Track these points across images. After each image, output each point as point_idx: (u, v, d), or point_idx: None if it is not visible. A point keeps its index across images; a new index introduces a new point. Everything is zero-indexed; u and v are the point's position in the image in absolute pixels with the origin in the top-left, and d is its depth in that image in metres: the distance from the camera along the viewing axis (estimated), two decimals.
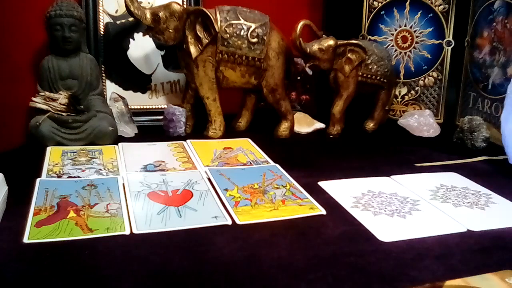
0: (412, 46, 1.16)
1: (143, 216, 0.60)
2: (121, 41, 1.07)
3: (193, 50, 0.93)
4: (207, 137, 0.98)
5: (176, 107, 0.99)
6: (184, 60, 0.97)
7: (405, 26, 1.16)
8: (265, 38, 0.95)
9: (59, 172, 0.73)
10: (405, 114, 1.13)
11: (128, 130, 0.97)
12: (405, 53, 1.17)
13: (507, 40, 0.99)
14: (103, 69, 1.05)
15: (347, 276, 0.48)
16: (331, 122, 1.05)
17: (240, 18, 0.94)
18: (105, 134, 0.88)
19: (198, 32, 0.92)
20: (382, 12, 1.16)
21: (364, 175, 0.78)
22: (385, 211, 0.65)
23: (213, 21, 0.90)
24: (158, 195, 0.67)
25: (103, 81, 1.05)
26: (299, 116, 1.10)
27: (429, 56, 1.16)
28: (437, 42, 1.15)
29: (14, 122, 1.03)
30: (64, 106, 0.87)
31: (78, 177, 0.71)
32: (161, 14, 0.91)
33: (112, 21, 1.06)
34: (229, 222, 0.60)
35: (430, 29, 1.15)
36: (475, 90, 1.09)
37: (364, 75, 1.04)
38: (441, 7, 1.13)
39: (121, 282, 0.46)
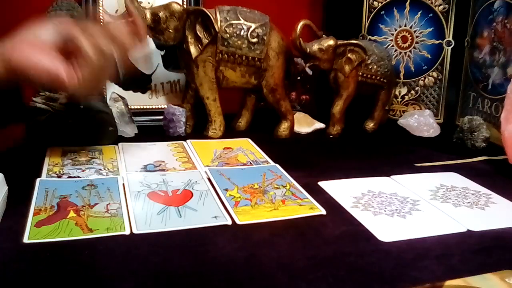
0: (412, 46, 1.16)
1: (143, 216, 0.60)
2: None
3: (193, 50, 0.93)
4: (207, 137, 0.98)
5: (176, 107, 0.99)
6: (184, 60, 0.97)
7: (405, 26, 1.16)
8: (265, 38, 0.95)
9: (59, 172, 0.73)
10: (405, 114, 1.13)
11: (128, 130, 0.97)
12: (405, 53, 1.17)
13: (507, 40, 0.99)
14: None
15: (347, 276, 0.48)
16: (331, 122, 1.05)
17: (240, 18, 0.94)
18: (105, 134, 0.88)
19: (198, 32, 0.92)
20: (382, 12, 1.16)
21: (364, 175, 0.78)
22: (385, 211, 0.65)
23: (213, 21, 0.90)
24: (158, 195, 0.67)
25: None
26: (299, 116, 1.10)
27: (429, 56, 1.16)
28: (437, 42, 1.15)
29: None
30: (64, 106, 0.87)
31: (78, 177, 0.71)
32: (161, 14, 0.91)
33: (112, 21, 1.06)
34: (229, 222, 0.60)
35: (430, 29, 1.15)
36: (475, 90, 1.09)
37: (364, 75, 1.04)
38: (441, 7, 1.13)
39: (121, 282, 0.46)
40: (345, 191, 0.71)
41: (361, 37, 1.16)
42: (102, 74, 0.65)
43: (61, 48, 0.64)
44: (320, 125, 1.10)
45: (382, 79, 1.06)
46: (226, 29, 0.93)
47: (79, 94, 0.65)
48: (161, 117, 1.01)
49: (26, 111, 0.82)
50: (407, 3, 1.14)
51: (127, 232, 0.56)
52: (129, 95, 1.05)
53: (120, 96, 1.00)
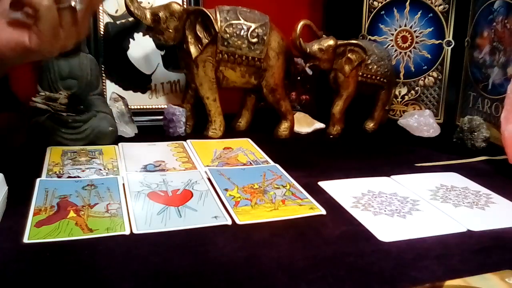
0: (412, 46, 1.16)
1: (143, 216, 0.60)
2: (121, 41, 1.07)
3: (193, 50, 0.93)
4: (207, 137, 0.98)
5: (176, 107, 0.99)
6: (184, 60, 0.97)
7: (405, 26, 1.16)
8: (265, 38, 0.95)
9: (59, 172, 0.73)
10: (405, 114, 1.13)
11: (128, 130, 0.97)
12: (405, 53, 1.17)
13: (507, 40, 0.99)
14: (103, 69, 1.05)
15: (347, 276, 0.48)
16: (331, 122, 1.05)
17: (240, 18, 0.94)
18: (105, 134, 0.88)
19: (198, 32, 0.92)
20: (382, 12, 1.16)
21: (364, 175, 0.78)
22: (385, 211, 0.65)
23: (213, 21, 0.90)
24: (158, 195, 0.67)
25: (103, 81, 1.05)
26: (299, 116, 1.10)
27: (429, 56, 1.16)
28: (437, 42, 1.15)
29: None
30: (64, 106, 0.87)
31: (78, 177, 0.71)
32: (161, 14, 0.91)
33: (112, 21, 1.06)
34: (229, 222, 0.60)
35: (430, 29, 1.15)
36: (475, 90, 1.09)
37: (364, 75, 1.04)
38: (441, 7, 1.13)
39: (121, 282, 0.46)
40: (345, 191, 0.71)
41: (361, 37, 1.16)
42: (62, 19, 0.56)
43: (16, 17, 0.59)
44: (320, 125, 1.10)
45: (382, 79, 1.06)
46: (226, 29, 0.93)
47: (51, 50, 0.59)
48: (161, 117, 1.01)
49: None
50: (407, 3, 1.14)
51: (127, 232, 0.56)
52: (129, 95, 1.05)
53: (120, 96, 1.00)
